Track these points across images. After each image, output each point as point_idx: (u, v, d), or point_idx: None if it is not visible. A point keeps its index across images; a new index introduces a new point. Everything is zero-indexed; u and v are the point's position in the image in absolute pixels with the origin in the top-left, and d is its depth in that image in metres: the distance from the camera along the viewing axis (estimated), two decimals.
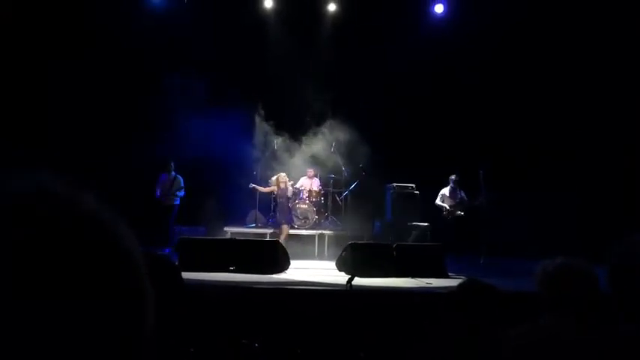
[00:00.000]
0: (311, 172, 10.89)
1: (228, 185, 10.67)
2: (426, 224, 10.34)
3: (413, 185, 10.83)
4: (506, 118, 11.11)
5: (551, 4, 10.73)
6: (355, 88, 11.39)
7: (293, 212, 10.50)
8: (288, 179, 10.33)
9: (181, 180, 10.07)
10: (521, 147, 11.09)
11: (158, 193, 10.01)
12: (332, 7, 11.99)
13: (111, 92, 10.62)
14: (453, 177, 10.27)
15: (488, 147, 10.86)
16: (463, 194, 10.24)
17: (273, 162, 11.02)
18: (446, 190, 10.33)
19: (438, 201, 10.36)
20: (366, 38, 11.58)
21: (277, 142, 11.16)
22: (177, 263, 7.50)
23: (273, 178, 10.34)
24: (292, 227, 10.23)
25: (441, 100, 11.48)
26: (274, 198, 10.55)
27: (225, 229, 10.19)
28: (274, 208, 11.01)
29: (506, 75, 11.12)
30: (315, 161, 11.11)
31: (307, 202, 10.46)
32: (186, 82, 10.40)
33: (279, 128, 11.21)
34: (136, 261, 0.53)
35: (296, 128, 11.23)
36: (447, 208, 10.18)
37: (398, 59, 11.11)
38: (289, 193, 10.29)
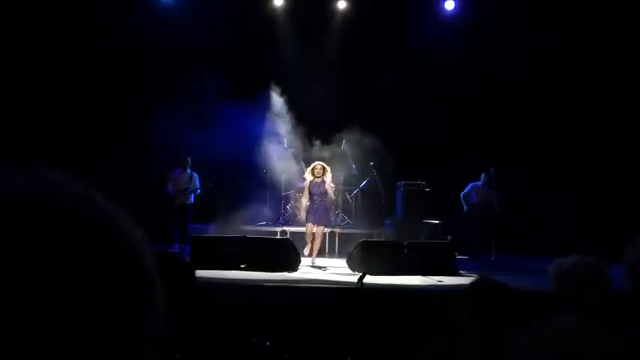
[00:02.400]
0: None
1: (239, 183, 10.69)
2: (437, 222, 10.31)
3: (423, 182, 10.79)
4: (520, 115, 11.07)
5: (557, 4, 10.69)
6: (365, 85, 11.38)
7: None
8: (323, 171, 8.77)
9: (197, 177, 9.78)
10: (531, 145, 11.04)
11: (171, 190, 9.63)
12: (342, 5, 11.96)
13: (115, 91, 10.69)
14: (484, 174, 9.82)
15: (498, 145, 10.82)
16: (490, 192, 9.82)
17: (284, 160, 10.99)
18: (475, 185, 9.94)
19: (462, 195, 9.97)
20: (375, 35, 11.55)
21: (287, 140, 11.14)
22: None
23: (309, 169, 8.99)
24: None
25: (451, 97, 11.43)
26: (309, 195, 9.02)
27: (236, 227, 10.20)
28: (284, 205, 11.02)
29: (516, 73, 11.06)
30: (324, 159, 11.08)
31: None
32: (194, 79, 10.43)
33: (289, 126, 11.19)
34: (145, 261, 0.52)
35: (306, 125, 11.20)
36: (467, 207, 9.92)
37: (407, 56, 11.09)
38: (327, 188, 8.72)
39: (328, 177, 8.69)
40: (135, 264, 0.52)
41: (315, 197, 8.67)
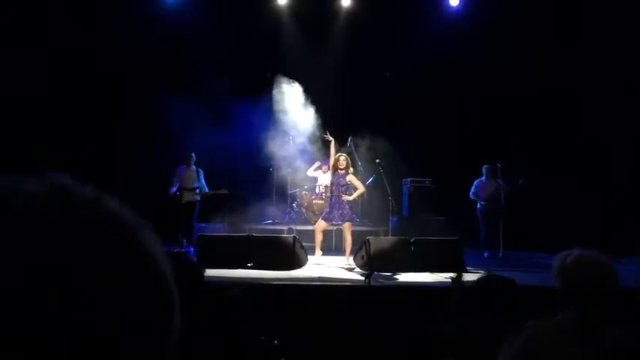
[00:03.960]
0: (325, 167, 10.81)
1: (245, 182, 10.70)
2: (443, 218, 10.31)
3: (429, 179, 10.79)
4: (527, 110, 11.04)
5: None
6: (370, 83, 11.35)
7: (309, 208, 10.48)
8: (347, 163, 8.41)
9: (202, 174, 9.66)
10: (538, 141, 11.00)
11: (175, 189, 9.44)
12: (346, 3, 11.93)
13: (122, 89, 10.72)
14: (485, 167, 9.82)
15: (504, 141, 10.79)
16: (501, 182, 9.70)
17: (290, 159, 10.99)
18: (480, 181, 9.93)
19: (471, 194, 9.96)
20: (380, 32, 11.52)
21: (293, 138, 11.13)
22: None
23: (331, 159, 8.55)
24: (311, 223, 10.15)
25: (458, 93, 11.41)
26: (328, 187, 8.85)
27: (244, 226, 10.21)
28: (291, 203, 11.01)
29: (526, 67, 11.01)
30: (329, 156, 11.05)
31: (324, 197, 10.44)
32: (200, 78, 10.45)
33: (296, 124, 11.17)
34: (161, 265, 0.52)
35: (312, 123, 11.17)
36: (482, 202, 9.83)
37: (412, 53, 11.05)
38: (351, 179, 8.40)
39: (351, 170, 8.50)
40: (156, 269, 0.51)
41: (334, 189, 8.38)
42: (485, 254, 9.62)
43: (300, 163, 10.95)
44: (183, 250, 8.90)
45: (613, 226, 8.82)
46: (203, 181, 9.68)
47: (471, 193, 9.99)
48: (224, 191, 9.66)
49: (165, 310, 0.51)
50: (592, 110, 10.38)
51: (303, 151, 11.07)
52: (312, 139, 11.01)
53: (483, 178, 9.95)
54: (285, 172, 10.95)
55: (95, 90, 10.62)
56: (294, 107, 11.09)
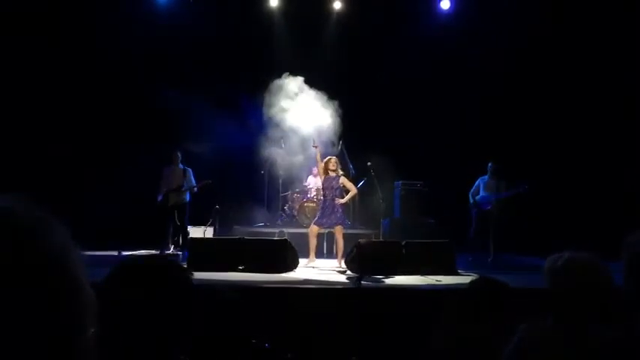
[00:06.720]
0: (316, 170, 10.79)
1: (237, 184, 10.66)
2: (434, 221, 10.31)
3: (421, 182, 10.79)
4: (519, 112, 11.09)
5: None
6: (362, 85, 11.36)
7: (301, 212, 10.46)
8: (337, 166, 8.44)
9: (192, 173, 9.37)
10: (531, 142, 11.05)
11: (161, 197, 9.11)
12: (337, 5, 11.95)
13: (117, 89, 10.68)
14: (490, 165, 9.54)
15: (497, 143, 10.82)
16: (504, 185, 9.47)
17: (282, 161, 10.96)
18: (482, 180, 9.67)
19: (470, 194, 9.70)
20: (371, 35, 11.55)
21: (285, 140, 11.09)
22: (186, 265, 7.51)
23: (322, 163, 8.49)
24: (303, 226, 10.12)
25: (449, 96, 11.43)
26: (321, 190, 8.72)
27: (235, 228, 10.18)
28: (282, 206, 10.99)
29: (516, 71, 11.06)
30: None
31: (315, 200, 10.44)
32: (193, 80, 10.41)
33: (287, 125, 11.14)
34: (61, 262, 0.50)
35: (303, 126, 11.15)
36: (474, 202, 9.62)
37: (404, 55, 11.08)
38: (344, 182, 8.45)
39: (341, 172, 8.48)
40: (42, 265, 0.51)
41: (327, 193, 8.37)
42: (470, 258, 9.35)
43: (291, 165, 10.91)
44: (171, 254, 8.83)
45: (606, 227, 8.84)
46: (193, 180, 9.41)
47: (471, 192, 9.71)
48: (208, 182, 9.38)
49: (60, 300, 0.51)
50: (590, 109, 10.43)
51: (295, 154, 11.05)
52: (304, 143, 10.99)
53: (487, 176, 9.65)
54: (276, 175, 10.92)
55: (91, 90, 10.58)
56: (287, 110, 11.05)
